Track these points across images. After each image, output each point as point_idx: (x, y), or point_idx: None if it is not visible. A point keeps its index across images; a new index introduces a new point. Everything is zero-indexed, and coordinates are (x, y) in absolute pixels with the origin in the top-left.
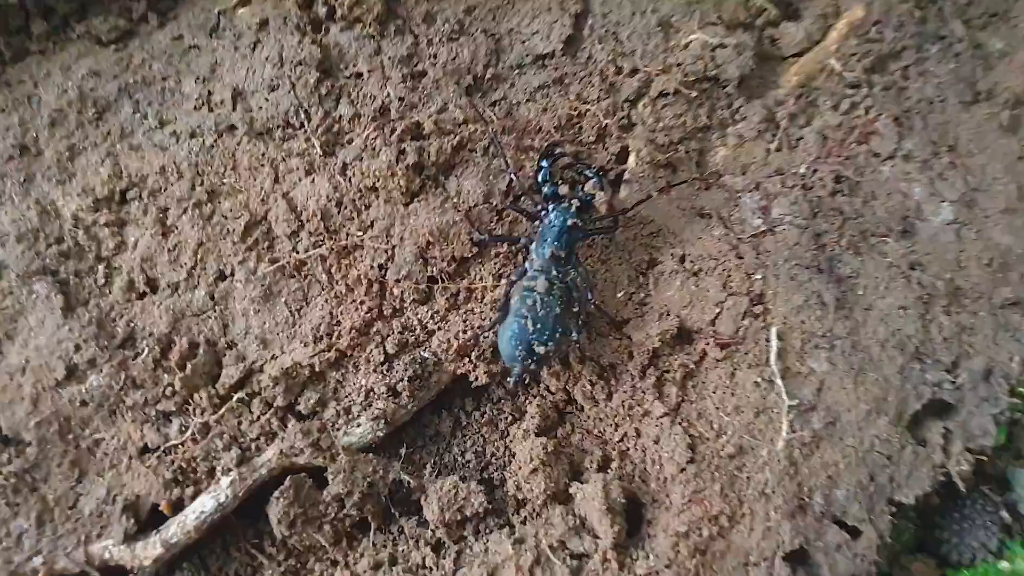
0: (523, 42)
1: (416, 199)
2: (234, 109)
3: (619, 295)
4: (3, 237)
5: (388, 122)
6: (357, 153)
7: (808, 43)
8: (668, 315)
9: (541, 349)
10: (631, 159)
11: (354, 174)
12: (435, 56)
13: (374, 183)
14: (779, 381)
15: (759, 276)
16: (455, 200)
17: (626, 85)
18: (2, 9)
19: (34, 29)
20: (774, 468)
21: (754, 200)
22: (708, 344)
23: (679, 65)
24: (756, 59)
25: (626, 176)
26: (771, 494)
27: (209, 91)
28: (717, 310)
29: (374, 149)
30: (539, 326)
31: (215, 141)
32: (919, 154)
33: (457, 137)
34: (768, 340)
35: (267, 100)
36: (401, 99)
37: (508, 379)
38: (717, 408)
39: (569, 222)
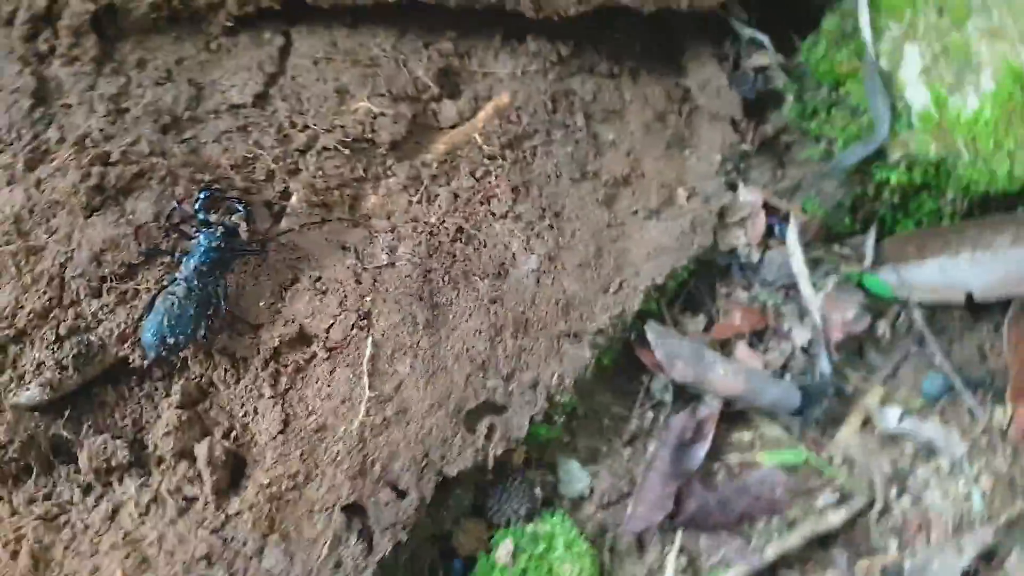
0: (222, 92)
1: (96, 213)
2: None
3: (261, 304)
4: None
5: (84, 149)
6: (51, 172)
7: (460, 119)
8: (292, 322)
9: (171, 340)
10: (293, 198)
11: (45, 189)
12: (141, 96)
13: (60, 198)
14: (365, 378)
15: (370, 298)
16: (129, 217)
17: (297, 138)
18: None
19: None
20: (347, 442)
21: (387, 240)
22: (319, 347)
23: (343, 127)
24: (413, 127)
25: (288, 211)
26: (341, 461)
27: None
28: (332, 321)
29: (65, 170)
30: (172, 323)
31: None
32: (527, 216)
33: (139, 167)
34: (365, 347)
35: None
36: (101, 130)
37: (144, 361)
38: (314, 396)
39: (212, 243)
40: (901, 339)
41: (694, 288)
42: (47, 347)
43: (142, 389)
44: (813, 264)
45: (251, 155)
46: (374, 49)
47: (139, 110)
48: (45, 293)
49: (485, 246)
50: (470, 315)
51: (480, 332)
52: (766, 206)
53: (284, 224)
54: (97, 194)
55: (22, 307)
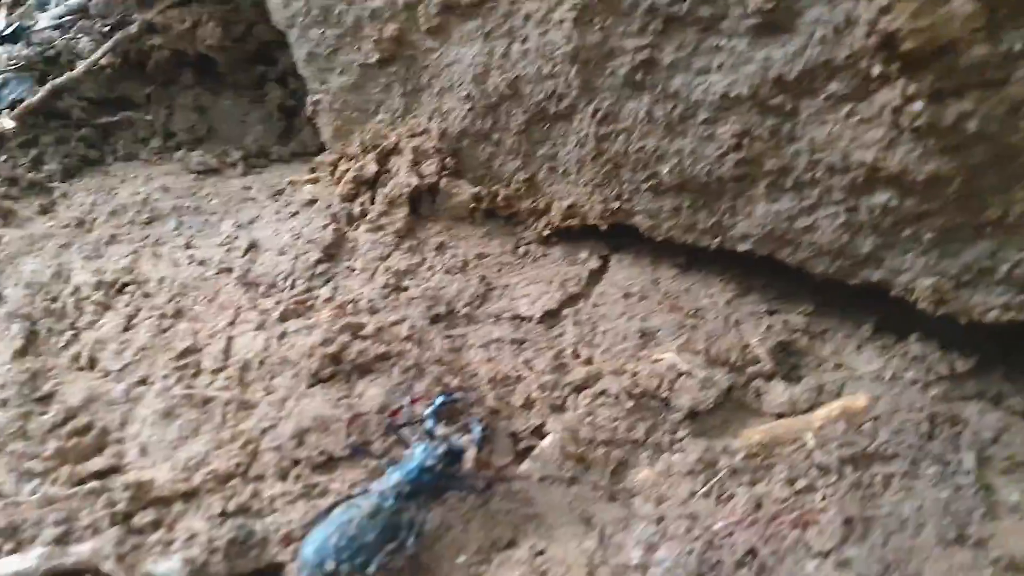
0: (511, 299)
1: (320, 384)
2: (243, 256)
3: (460, 559)
4: (18, 281)
5: (343, 314)
6: (299, 328)
7: (792, 409)
8: None
9: (331, 566)
10: (547, 440)
11: (285, 344)
12: (427, 280)
13: (293, 358)
14: None
15: None
16: (353, 400)
17: (576, 371)
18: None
19: (153, 143)
20: None
21: (646, 532)
22: None
23: (635, 374)
24: (725, 401)
25: (535, 452)
26: None
27: (236, 236)
28: None
29: (312, 329)
30: (341, 544)
31: (212, 274)
32: (859, 568)
33: (387, 348)
34: None
35: (271, 259)
36: (370, 301)
37: None
38: None
39: (427, 463)
40: None
41: None
42: (208, 519)
43: None
44: None
45: (516, 374)
46: (703, 300)
47: (418, 292)
48: (235, 457)
49: None
50: None
51: None
52: None
53: (526, 467)
54: (331, 364)
55: (207, 463)
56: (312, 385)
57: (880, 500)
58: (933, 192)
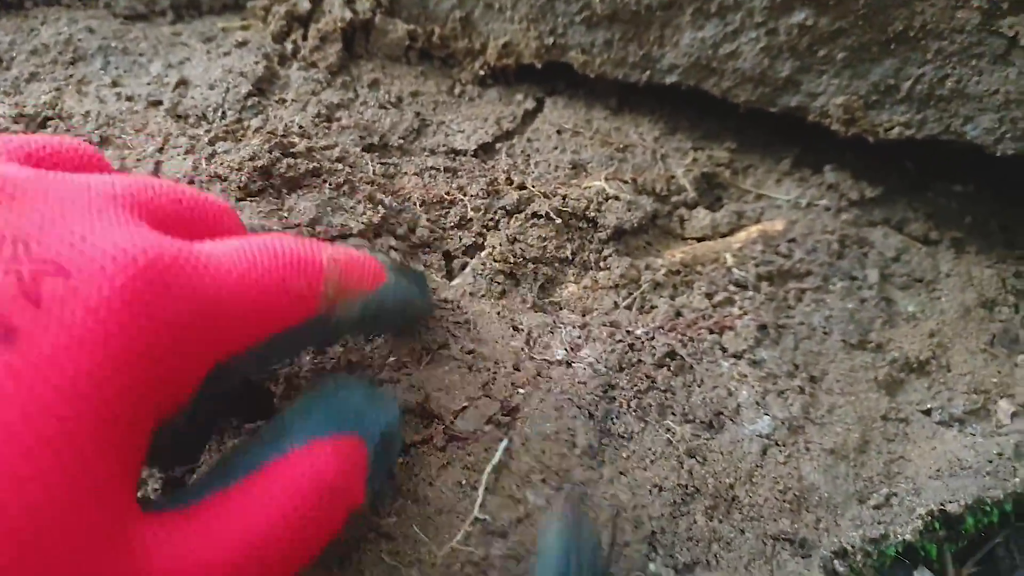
0: (446, 135)
1: (249, 199)
2: (172, 91)
3: (391, 360)
4: None
5: (274, 137)
6: (228, 148)
7: (712, 233)
8: (419, 391)
9: None
10: (481, 254)
11: (215, 162)
12: (360, 114)
13: (223, 173)
14: (481, 491)
15: (524, 391)
16: (283, 215)
17: (509, 195)
18: None
19: None
20: (423, 570)
21: (571, 335)
22: (438, 430)
23: (564, 197)
24: (650, 226)
25: (470, 267)
26: None
27: (166, 75)
28: (466, 404)
29: (242, 147)
30: None
31: (141, 108)
32: (771, 367)
33: (319, 165)
34: (495, 449)
35: (201, 93)
36: (301, 127)
37: None
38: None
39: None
40: None
41: (1003, 549)
42: None
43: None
44: None
45: (449, 197)
46: (632, 136)
47: (351, 122)
48: None
49: (700, 384)
50: (652, 462)
51: (660, 490)
52: None
53: (458, 282)
54: (261, 177)
55: None
56: (242, 199)
57: (793, 311)
58: (844, 8)
